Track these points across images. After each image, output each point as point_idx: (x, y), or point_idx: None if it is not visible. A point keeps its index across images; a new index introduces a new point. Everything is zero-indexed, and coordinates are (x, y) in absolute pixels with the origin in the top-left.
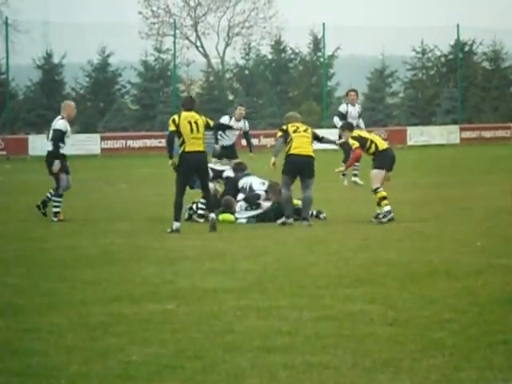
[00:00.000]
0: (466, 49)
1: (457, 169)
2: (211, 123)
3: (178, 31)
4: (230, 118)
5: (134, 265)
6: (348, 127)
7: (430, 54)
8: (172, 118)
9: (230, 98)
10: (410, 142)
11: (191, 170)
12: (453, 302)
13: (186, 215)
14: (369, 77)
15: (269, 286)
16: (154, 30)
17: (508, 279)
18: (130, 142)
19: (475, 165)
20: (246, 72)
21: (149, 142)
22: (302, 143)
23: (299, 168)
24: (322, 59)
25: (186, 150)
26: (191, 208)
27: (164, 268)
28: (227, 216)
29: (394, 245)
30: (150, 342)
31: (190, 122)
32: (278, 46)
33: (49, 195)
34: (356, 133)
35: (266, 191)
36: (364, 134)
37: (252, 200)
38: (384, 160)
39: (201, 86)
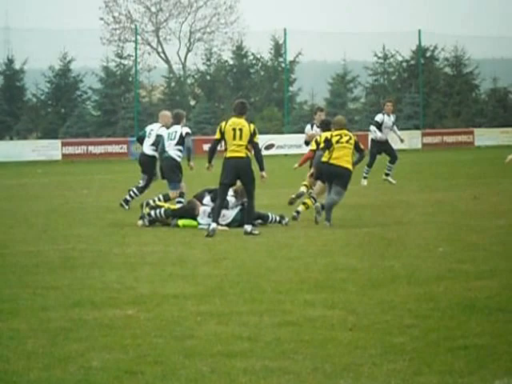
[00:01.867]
0: (428, 54)
1: (419, 174)
2: (256, 138)
3: (139, 37)
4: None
5: (94, 270)
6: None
7: (391, 60)
8: (220, 125)
9: (192, 103)
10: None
11: (230, 175)
12: (413, 307)
13: (147, 221)
14: (330, 82)
15: (229, 292)
16: (116, 35)
17: (468, 285)
18: (91, 148)
19: (437, 170)
20: (208, 77)
21: (110, 148)
22: (341, 154)
23: (333, 176)
24: (283, 64)
25: (227, 155)
26: (149, 214)
27: (125, 273)
28: (188, 221)
29: (354, 250)
30: (111, 347)
31: (234, 129)
32: (239, 52)
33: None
34: (328, 135)
35: (235, 196)
36: (334, 140)
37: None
38: (322, 172)
39: (162, 92)
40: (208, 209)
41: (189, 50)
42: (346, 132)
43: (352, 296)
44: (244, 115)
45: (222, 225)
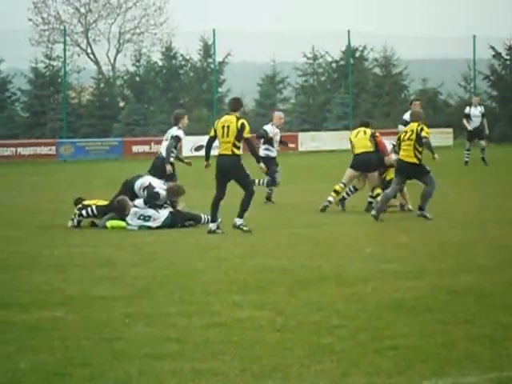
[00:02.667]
0: (357, 55)
1: None
2: (245, 133)
3: (68, 38)
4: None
5: (23, 272)
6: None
7: (321, 60)
8: (214, 122)
9: (121, 104)
10: (301, 148)
11: (221, 173)
12: (341, 307)
13: (75, 221)
14: (260, 83)
15: (158, 293)
16: (45, 37)
17: (396, 285)
18: (20, 150)
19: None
20: (137, 79)
21: (39, 150)
22: (404, 151)
23: (405, 173)
24: (212, 65)
25: (218, 153)
26: (81, 214)
27: (53, 275)
28: (117, 223)
29: (283, 251)
30: (39, 349)
31: (223, 127)
32: (168, 53)
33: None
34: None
35: (166, 193)
36: (353, 137)
37: (151, 198)
38: (353, 162)
39: (91, 93)
40: (140, 211)
41: (118, 51)
42: (413, 127)
43: (280, 297)
44: (236, 112)
45: (152, 227)
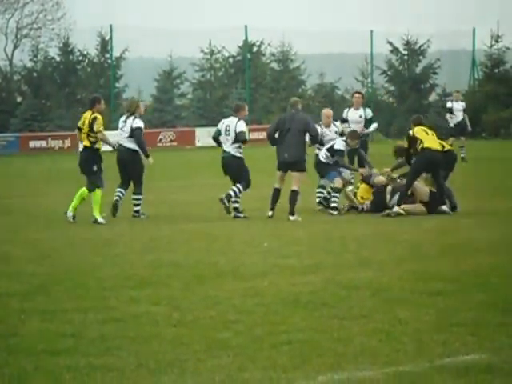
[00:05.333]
0: (254, 49)
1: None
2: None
3: None
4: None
5: None
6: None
7: (218, 55)
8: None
9: (19, 100)
10: (198, 144)
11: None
12: (238, 302)
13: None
14: (157, 78)
15: (54, 289)
16: None
17: (293, 280)
18: None
19: (264, 166)
20: (35, 74)
21: None
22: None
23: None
24: (109, 61)
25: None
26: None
27: None
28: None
29: (180, 246)
30: None
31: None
32: (66, 48)
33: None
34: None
35: None
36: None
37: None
38: None
39: None
40: None
41: (16, 47)
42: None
43: (176, 292)
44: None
45: None
